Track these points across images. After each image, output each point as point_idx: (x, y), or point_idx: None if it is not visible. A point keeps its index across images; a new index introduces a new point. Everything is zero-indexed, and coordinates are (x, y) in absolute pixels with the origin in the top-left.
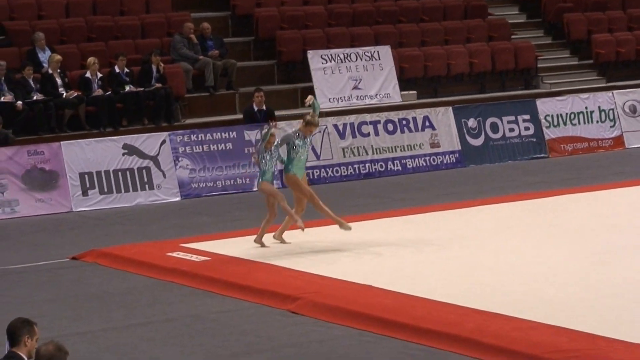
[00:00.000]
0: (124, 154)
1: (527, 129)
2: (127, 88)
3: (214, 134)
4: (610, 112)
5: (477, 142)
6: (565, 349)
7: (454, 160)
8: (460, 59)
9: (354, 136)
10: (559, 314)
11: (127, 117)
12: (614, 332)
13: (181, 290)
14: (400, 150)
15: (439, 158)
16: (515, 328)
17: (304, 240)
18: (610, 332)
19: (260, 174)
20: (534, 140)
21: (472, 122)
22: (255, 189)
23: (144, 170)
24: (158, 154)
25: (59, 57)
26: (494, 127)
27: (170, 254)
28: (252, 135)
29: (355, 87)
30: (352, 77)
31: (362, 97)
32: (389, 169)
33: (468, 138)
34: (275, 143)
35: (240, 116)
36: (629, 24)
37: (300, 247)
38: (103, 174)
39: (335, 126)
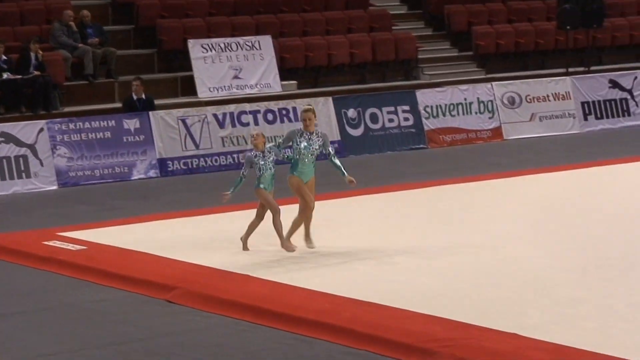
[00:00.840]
0: (0, 142)
1: (406, 119)
2: (5, 76)
3: (93, 123)
4: (489, 103)
5: (357, 132)
6: (439, 338)
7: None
8: (341, 49)
9: (233, 125)
10: (434, 303)
11: (5, 105)
12: (488, 321)
13: (57, 279)
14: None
15: None
16: (390, 317)
17: (183, 232)
18: (484, 321)
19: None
20: (413, 130)
21: (352, 113)
22: (132, 178)
23: (20, 159)
24: (35, 142)
25: None
26: (374, 118)
27: (47, 242)
28: (131, 124)
29: (236, 77)
30: (233, 67)
31: (242, 87)
32: None
33: (348, 128)
34: (270, 144)
35: (119, 105)
36: (508, 16)
37: (179, 237)
38: None
39: (215, 115)
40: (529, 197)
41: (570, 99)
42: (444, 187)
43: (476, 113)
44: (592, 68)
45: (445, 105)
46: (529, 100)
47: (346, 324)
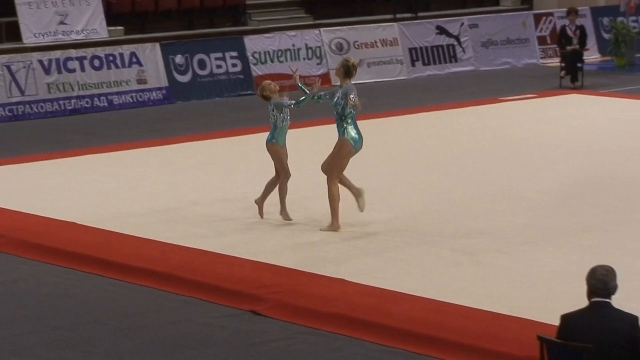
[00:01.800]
0: None
1: (234, 65)
2: None
3: None
4: (317, 49)
5: (185, 78)
6: (268, 285)
7: (161, 97)
8: None
9: (59, 72)
10: (262, 250)
11: None
12: (316, 267)
13: None
14: (107, 86)
15: (146, 94)
16: (220, 264)
17: (14, 181)
18: (312, 267)
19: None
20: (242, 77)
21: (179, 59)
22: None
23: None
24: None
25: None
26: (202, 64)
27: None
28: None
29: (62, 23)
30: (58, 12)
31: (68, 33)
32: (95, 105)
33: (175, 74)
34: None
35: None
36: None
37: (9, 184)
38: None
39: (41, 62)
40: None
41: (397, 45)
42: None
43: (304, 59)
44: (420, 14)
45: (274, 51)
46: (357, 47)
47: (174, 271)
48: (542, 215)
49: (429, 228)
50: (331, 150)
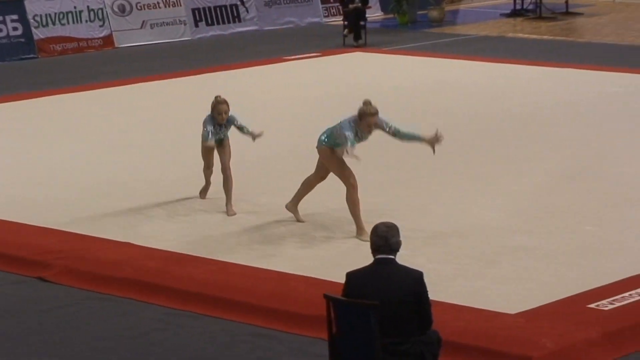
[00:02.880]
0: None
1: (15, 29)
2: None
3: None
4: (100, 11)
5: None
6: (53, 250)
7: None
8: None
9: None
10: (48, 215)
11: None
12: (103, 232)
13: None
14: None
15: None
16: (4, 230)
17: None
18: (99, 232)
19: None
20: (23, 40)
21: None
22: None
23: None
24: None
25: None
26: None
27: None
28: None
29: None
30: None
31: None
32: None
33: None
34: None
35: None
36: None
37: None
38: None
39: None
40: (145, 105)
41: (180, 5)
42: (58, 97)
43: (87, 21)
44: None
45: (55, 14)
46: (139, 8)
47: None
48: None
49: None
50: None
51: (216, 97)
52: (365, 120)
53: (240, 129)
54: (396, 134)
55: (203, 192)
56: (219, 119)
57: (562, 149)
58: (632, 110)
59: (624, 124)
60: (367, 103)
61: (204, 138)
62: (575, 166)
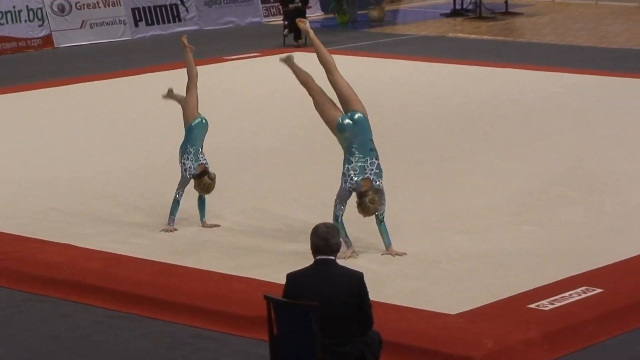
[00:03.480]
0: None
1: None
2: None
3: None
4: (39, 11)
5: None
6: None
7: None
8: None
9: None
10: None
11: None
12: (45, 234)
13: None
14: None
15: None
16: None
17: None
18: (39, 234)
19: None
20: None
21: None
22: None
23: None
24: None
25: None
26: None
27: None
28: None
29: None
30: None
31: None
32: None
33: None
34: None
35: None
36: None
37: None
38: None
39: None
40: (85, 105)
41: (120, 5)
42: (2, 97)
43: (26, 21)
44: None
45: None
46: (78, 7)
47: None
48: (268, 173)
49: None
50: None
51: (212, 177)
52: (362, 208)
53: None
54: (378, 223)
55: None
56: (201, 191)
57: (503, 148)
58: (572, 109)
59: (564, 123)
60: (373, 201)
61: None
62: (515, 166)
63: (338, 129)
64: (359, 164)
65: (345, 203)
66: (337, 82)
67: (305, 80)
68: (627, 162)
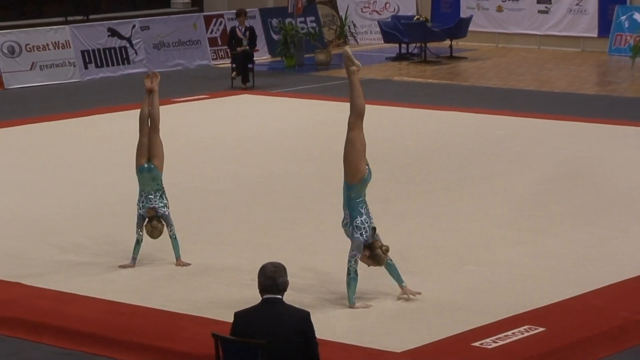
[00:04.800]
0: None
1: None
2: None
3: None
4: None
5: None
6: None
7: None
8: None
9: None
10: None
11: None
12: None
13: None
14: None
15: None
16: None
17: None
18: None
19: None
20: None
21: None
22: None
23: None
24: None
25: None
26: None
27: None
28: None
29: None
30: None
31: None
32: None
33: None
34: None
35: None
36: None
37: None
38: None
39: None
40: (35, 146)
41: (70, 47)
42: None
43: None
44: (91, 16)
45: None
46: (28, 49)
47: None
48: (215, 215)
49: (103, 229)
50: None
51: (154, 225)
52: (375, 260)
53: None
54: (387, 266)
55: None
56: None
57: (446, 190)
58: (515, 152)
59: (507, 166)
60: (386, 250)
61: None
62: (458, 208)
63: (363, 181)
64: (368, 216)
65: None
66: (359, 131)
67: (358, 109)
68: (568, 205)
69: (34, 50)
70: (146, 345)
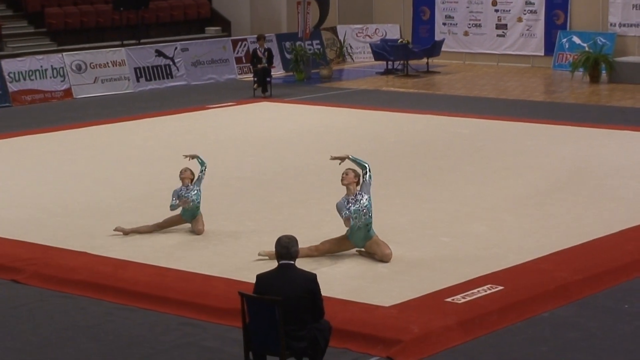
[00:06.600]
0: None
1: None
2: None
3: None
4: (61, 69)
5: None
6: (25, 258)
7: None
8: None
9: None
10: (17, 230)
11: None
12: (66, 244)
13: None
14: None
15: None
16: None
17: None
18: (60, 243)
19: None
20: (0, 92)
21: None
22: None
23: None
24: None
25: None
26: None
27: None
28: None
29: None
30: None
31: None
32: None
33: None
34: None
35: None
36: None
37: None
38: None
39: None
40: (92, 145)
41: (125, 65)
42: (29, 137)
43: (51, 77)
44: (142, 40)
45: (26, 71)
46: (92, 67)
47: None
48: (240, 197)
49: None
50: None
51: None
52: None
53: (201, 173)
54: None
55: (126, 229)
56: (184, 183)
57: (423, 177)
58: (476, 147)
59: (471, 157)
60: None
61: (171, 207)
62: (434, 191)
63: (351, 230)
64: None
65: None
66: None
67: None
68: (522, 187)
69: (96, 68)
70: (185, 301)
